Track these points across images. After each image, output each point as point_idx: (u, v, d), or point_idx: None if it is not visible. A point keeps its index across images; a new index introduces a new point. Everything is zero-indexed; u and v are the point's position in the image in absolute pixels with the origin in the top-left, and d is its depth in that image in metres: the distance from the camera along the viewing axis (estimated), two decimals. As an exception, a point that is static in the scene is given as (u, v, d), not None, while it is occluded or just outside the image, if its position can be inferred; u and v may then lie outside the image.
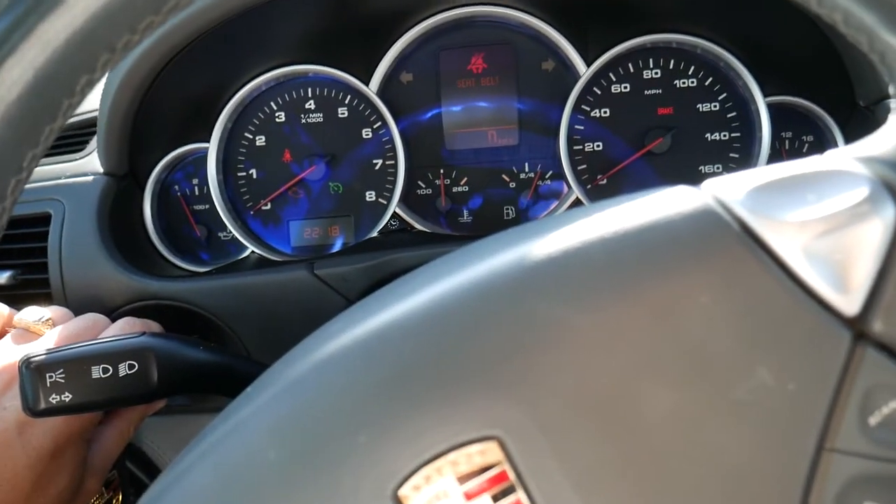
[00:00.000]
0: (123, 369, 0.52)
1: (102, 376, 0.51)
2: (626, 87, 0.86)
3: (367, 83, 0.87)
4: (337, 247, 0.90)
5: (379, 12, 0.85)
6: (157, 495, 0.30)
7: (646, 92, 0.86)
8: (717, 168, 0.87)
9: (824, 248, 0.27)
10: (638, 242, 0.28)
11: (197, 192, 0.90)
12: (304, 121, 0.90)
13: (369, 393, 0.28)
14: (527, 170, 0.89)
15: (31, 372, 0.50)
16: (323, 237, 0.91)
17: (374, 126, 0.89)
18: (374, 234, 0.88)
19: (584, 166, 0.87)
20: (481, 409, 0.27)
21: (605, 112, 0.87)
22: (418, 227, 0.88)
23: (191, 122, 0.87)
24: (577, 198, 0.85)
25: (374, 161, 0.89)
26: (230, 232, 0.88)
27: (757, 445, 0.26)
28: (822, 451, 0.26)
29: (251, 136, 0.90)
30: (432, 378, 0.27)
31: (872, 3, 0.28)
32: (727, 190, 0.29)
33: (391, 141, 0.88)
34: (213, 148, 0.87)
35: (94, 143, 0.87)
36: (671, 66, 0.85)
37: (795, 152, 0.86)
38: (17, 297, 0.79)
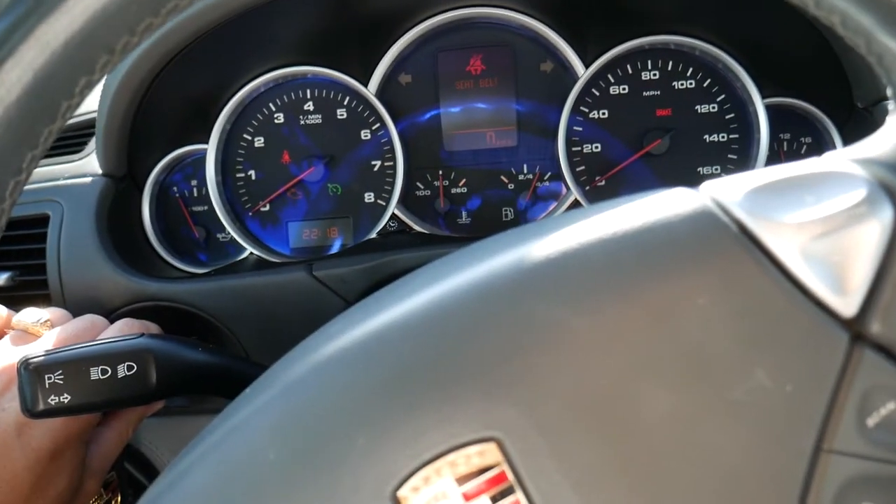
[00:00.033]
0: (122, 370, 0.52)
1: (101, 377, 0.51)
2: (624, 89, 0.87)
3: (365, 84, 0.87)
4: (336, 248, 0.90)
5: (377, 13, 0.85)
6: (155, 496, 0.30)
7: (644, 93, 0.86)
8: (716, 169, 0.87)
9: (822, 249, 0.27)
10: (636, 244, 0.28)
11: (196, 194, 0.90)
12: (302, 122, 0.90)
13: (368, 394, 0.28)
14: (525, 171, 0.89)
15: (30, 373, 0.50)
16: (322, 238, 0.91)
17: (373, 127, 0.89)
18: (373, 235, 0.88)
19: (582, 168, 0.87)
20: (480, 410, 0.27)
21: (604, 113, 0.87)
22: (417, 228, 0.88)
23: (189, 123, 0.87)
24: (576, 199, 0.85)
25: (373, 162, 0.89)
26: (229, 233, 0.88)
27: (755, 446, 0.26)
28: (819, 452, 0.26)
29: (250, 138, 0.90)
30: (431, 379, 0.27)
31: (870, 5, 0.28)
32: (725, 191, 0.29)
33: (390, 142, 0.88)
34: (211, 149, 0.87)
35: (92, 144, 0.87)
36: (669, 68, 0.86)
37: (794, 154, 0.86)
38: (15, 298, 0.79)
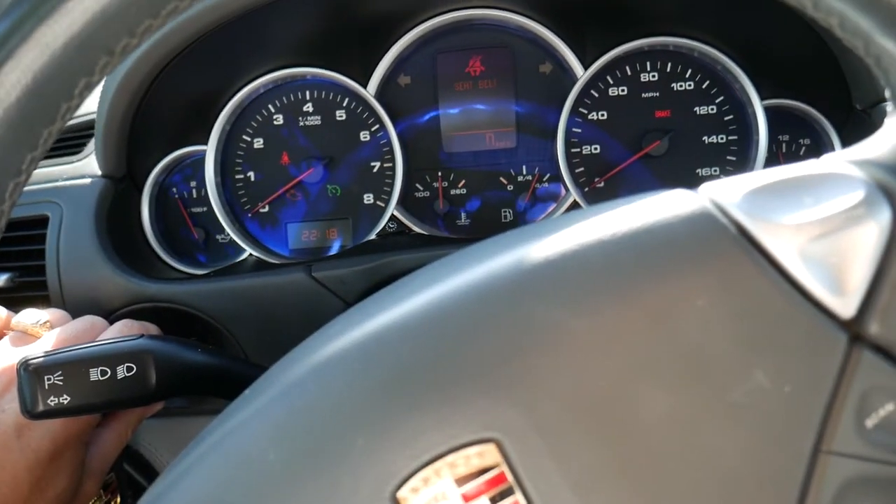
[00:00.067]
0: (121, 371, 0.52)
1: (101, 378, 0.51)
2: (623, 90, 0.87)
3: (364, 86, 0.87)
4: (335, 249, 0.90)
5: (377, 15, 0.85)
6: (155, 497, 0.30)
7: (643, 95, 0.86)
8: (715, 171, 0.87)
9: (820, 250, 0.27)
10: (635, 245, 0.28)
11: (195, 195, 0.91)
12: (301, 123, 0.90)
13: (368, 395, 0.28)
14: (524, 172, 0.89)
15: (30, 374, 0.50)
16: (321, 240, 0.91)
17: (372, 129, 0.89)
18: (372, 236, 0.88)
19: (581, 169, 0.87)
20: (479, 411, 0.27)
21: (603, 115, 0.87)
22: (416, 229, 0.88)
23: (189, 124, 0.88)
24: (575, 200, 0.85)
25: (372, 163, 0.89)
26: (228, 234, 0.88)
27: (753, 448, 0.26)
28: (818, 453, 0.26)
29: (249, 139, 0.90)
30: (430, 380, 0.28)
31: (868, 8, 0.28)
32: (724, 193, 0.29)
33: (389, 143, 0.88)
34: (210, 150, 0.87)
35: (92, 145, 0.87)
36: (668, 69, 0.86)
37: (792, 155, 0.86)
38: (14, 299, 0.79)
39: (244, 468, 0.28)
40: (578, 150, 0.87)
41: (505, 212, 0.90)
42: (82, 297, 0.77)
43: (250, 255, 0.88)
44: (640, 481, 0.26)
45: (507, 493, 0.26)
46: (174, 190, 0.90)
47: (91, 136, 0.88)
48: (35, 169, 0.30)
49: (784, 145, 0.86)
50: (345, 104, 0.89)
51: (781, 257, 0.27)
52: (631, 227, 0.29)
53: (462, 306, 0.29)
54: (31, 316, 0.63)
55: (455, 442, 0.27)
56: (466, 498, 0.27)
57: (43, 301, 0.78)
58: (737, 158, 0.86)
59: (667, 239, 0.28)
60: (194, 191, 0.90)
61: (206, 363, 0.58)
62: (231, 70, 0.87)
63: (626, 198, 0.31)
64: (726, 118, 0.85)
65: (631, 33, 0.83)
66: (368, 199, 0.90)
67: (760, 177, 0.29)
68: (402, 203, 0.89)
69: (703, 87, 0.85)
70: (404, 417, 0.27)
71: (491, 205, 0.90)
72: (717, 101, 0.85)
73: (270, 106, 0.90)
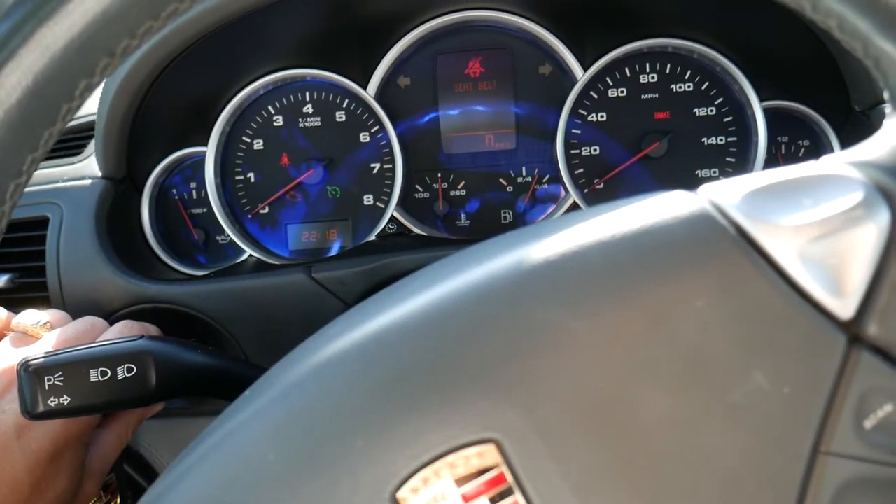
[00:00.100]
0: (122, 372, 0.52)
1: (101, 379, 0.51)
2: (622, 92, 0.87)
3: (364, 87, 0.87)
4: (335, 250, 0.90)
5: (376, 16, 0.85)
6: (155, 498, 0.30)
7: (642, 96, 0.86)
8: (714, 172, 0.87)
9: (819, 252, 0.27)
10: (634, 246, 0.28)
11: (195, 196, 0.91)
12: (301, 125, 0.90)
13: (367, 396, 0.28)
14: (524, 174, 0.89)
15: (30, 375, 0.50)
16: (321, 241, 0.91)
17: (372, 130, 0.89)
18: (372, 237, 0.88)
19: (581, 170, 0.88)
20: (479, 411, 0.27)
21: (602, 116, 0.87)
22: (416, 230, 0.88)
23: (189, 125, 0.88)
24: (575, 202, 0.85)
25: (372, 165, 0.89)
26: (228, 235, 0.88)
27: (752, 449, 0.26)
28: (817, 454, 0.26)
29: (249, 140, 0.90)
30: (430, 381, 0.28)
31: (866, 9, 0.28)
32: (723, 194, 0.29)
33: (389, 145, 0.88)
34: (210, 152, 0.87)
35: (92, 146, 0.87)
36: (668, 71, 0.86)
37: (791, 157, 0.86)
38: (14, 300, 0.79)
39: (244, 469, 0.28)
40: (578, 151, 0.87)
41: (505, 213, 0.90)
42: (82, 298, 0.78)
43: (250, 256, 0.88)
44: (639, 482, 0.26)
45: (507, 493, 0.26)
46: (174, 191, 0.90)
47: (91, 137, 0.88)
48: (36, 170, 0.30)
49: (783, 147, 0.86)
50: (345, 105, 0.89)
51: (780, 258, 0.27)
52: (630, 229, 0.29)
53: (462, 307, 0.29)
54: (31, 317, 0.63)
55: (455, 442, 0.27)
56: (466, 498, 0.27)
57: (43, 302, 0.78)
58: (736, 160, 0.86)
59: (666, 240, 0.28)
60: (194, 192, 0.90)
61: (206, 364, 0.58)
62: (231, 71, 0.87)
63: (626, 199, 0.31)
64: (725, 119, 0.86)
65: (630, 35, 0.84)
66: (368, 200, 0.90)
67: (759, 178, 0.29)
68: (401, 204, 0.89)
69: (703, 88, 0.86)
70: (404, 418, 0.27)
71: (490, 206, 0.90)
72: (717, 102, 0.86)
73: (270, 107, 0.90)
